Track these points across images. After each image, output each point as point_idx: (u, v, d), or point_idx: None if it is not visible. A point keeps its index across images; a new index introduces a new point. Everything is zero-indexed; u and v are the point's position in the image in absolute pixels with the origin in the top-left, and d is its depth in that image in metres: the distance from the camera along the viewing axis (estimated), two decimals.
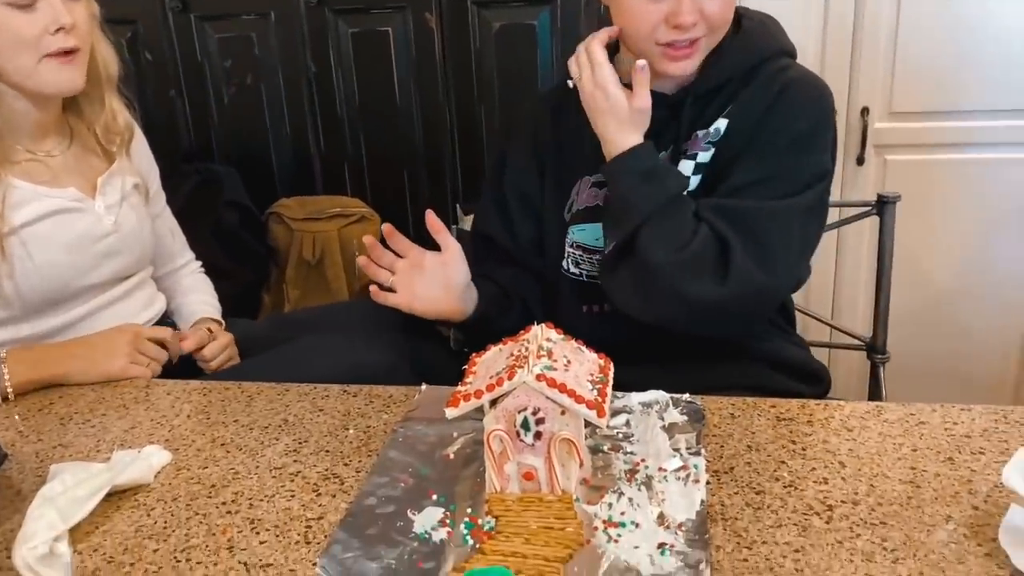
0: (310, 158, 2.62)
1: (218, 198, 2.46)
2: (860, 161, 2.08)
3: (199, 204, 2.41)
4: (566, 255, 1.29)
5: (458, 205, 2.49)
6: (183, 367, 1.34)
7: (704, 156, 1.18)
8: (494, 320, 1.26)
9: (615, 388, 0.92)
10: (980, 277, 2.13)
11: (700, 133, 1.19)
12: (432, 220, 1.17)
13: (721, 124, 1.17)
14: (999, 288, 2.13)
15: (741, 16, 1.21)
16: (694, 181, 1.18)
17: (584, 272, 1.28)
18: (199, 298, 1.52)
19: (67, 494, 0.87)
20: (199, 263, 1.62)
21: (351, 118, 2.54)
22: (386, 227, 1.21)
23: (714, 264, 1.09)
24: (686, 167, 1.18)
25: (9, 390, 1.15)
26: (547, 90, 1.42)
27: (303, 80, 2.52)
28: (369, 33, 2.42)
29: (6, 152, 1.25)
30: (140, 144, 1.47)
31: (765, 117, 1.14)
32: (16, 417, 1.10)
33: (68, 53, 1.24)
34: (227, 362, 1.40)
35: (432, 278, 1.21)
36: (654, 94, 1.15)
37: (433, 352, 1.38)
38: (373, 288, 1.22)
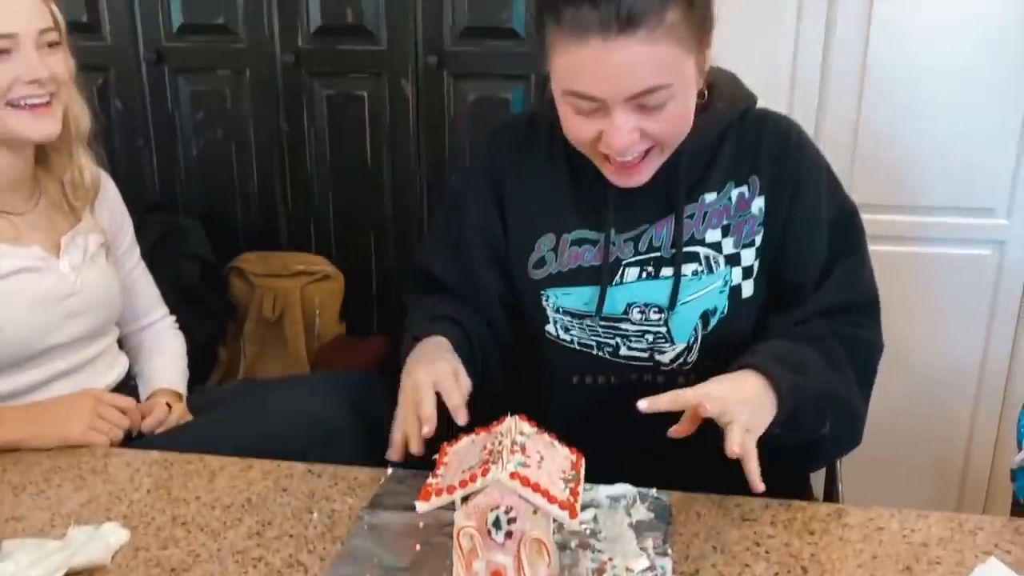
0: (276, 214, 2.62)
1: (180, 251, 2.43)
2: None
3: (161, 257, 2.37)
4: (550, 320, 1.20)
5: None
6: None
7: (758, 239, 1.17)
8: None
9: (588, 478, 0.92)
10: (929, 363, 2.19)
11: (710, 198, 1.15)
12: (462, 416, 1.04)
13: (760, 203, 1.16)
14: (946, 380, 2.18)
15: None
16: (757, 266, 1.17)
17: (575, 339, 1.19)
18: (163, 363, 1.50)
19: (20, 575, 0.85)
20: (172, 319, 1.59)
21: (321, 177, 2.55)
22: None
23: (869, 371, 1.18)
24: (748, 255, 1.16)
25: None
26: (507, 124, 1.28)
27: (275, 137, 2.52)
28: (345, 96, 2.44)
29: None
30: (111, 198, 1.46)
31: (797, 188, 1.15)
32: None
33: (39, 106, 1.23)
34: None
35: None
36: None
37: (389, 416, 1.37)
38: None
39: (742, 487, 1.04)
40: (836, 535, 0.97)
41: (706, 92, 1.11)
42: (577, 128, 1.04)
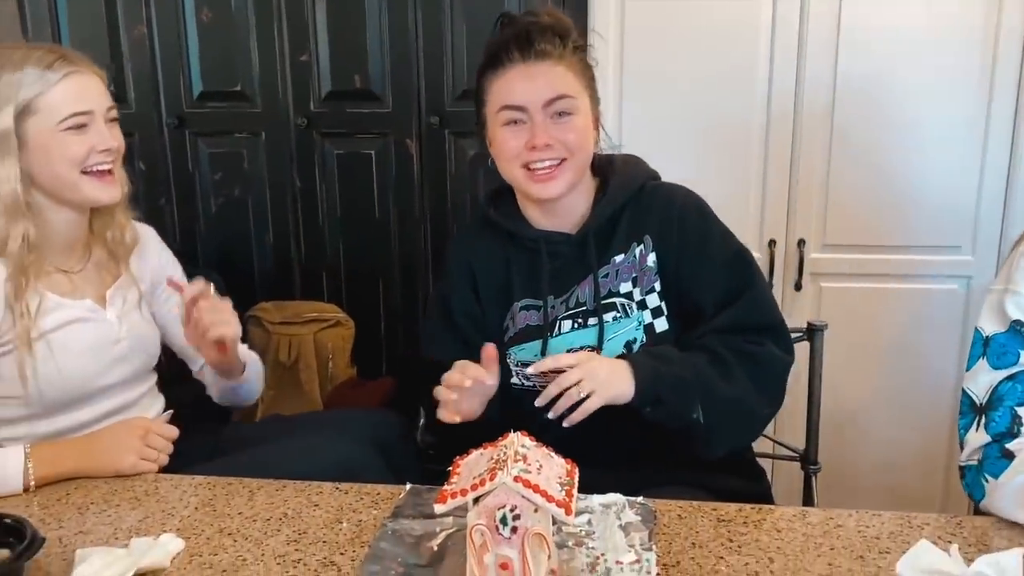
0: (290, 264, 2.79)
1: None
2: (798, 287, 2.30)
3: None
4: (513, 373, 1.44)
5: None
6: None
7: (657, 285, 1.40)
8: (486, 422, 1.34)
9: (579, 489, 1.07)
10: (905, 393, 2.33)
11: (619, 258, 1.40)
12: (491, 352, 1.29)
13: (652, 257, 1.40)
14: (922, 404, 2.33)
15: (611, 158, 1.46)
16: (664, 306, 1.39)
17: (536, 382, 1.36)
18: None
19: (97, 575, 0.99)
20: None
21: (332, 229, 2.73)
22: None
23: (766, 378, 1.35)
24: (652, 299, 1.39)
25: (32, 482, 1.26)
26: (467, 229, 1.57)
27: (288, 193, 2.71)
28: (353, 154, 2.63)
29: (39, 264, 1.40)
30: (152, 248, 1.62)
31: (681, 240, 1.39)
32: (36, 507, 1.22)
33: (105, 173, 1.41)
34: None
35: (476, 395, 1.31)
36: (560, 235, 1.42)
37: (403, 449, 1.55)
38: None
39: (715, 491, 1.21)
40: (800, 532, 1.11)
41: (609, 173, 1.43)
42: (510, 143, 1.34)
